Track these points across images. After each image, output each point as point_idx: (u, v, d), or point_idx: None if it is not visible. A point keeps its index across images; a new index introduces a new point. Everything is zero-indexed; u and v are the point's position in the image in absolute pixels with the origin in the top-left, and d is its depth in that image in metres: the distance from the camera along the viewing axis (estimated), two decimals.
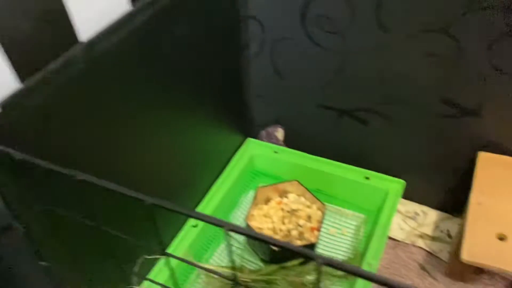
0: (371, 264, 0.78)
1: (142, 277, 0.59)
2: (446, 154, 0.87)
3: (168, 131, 0.73)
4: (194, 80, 0.75)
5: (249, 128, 1.04)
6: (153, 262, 0.77)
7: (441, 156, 0.88)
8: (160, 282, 0.77)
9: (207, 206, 0.90)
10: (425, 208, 0.97)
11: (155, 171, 0.72)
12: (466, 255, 0.69)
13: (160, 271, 0.78)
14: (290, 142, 1.04)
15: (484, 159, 0.82)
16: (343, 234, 0.92)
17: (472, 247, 0.70)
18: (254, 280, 0.81)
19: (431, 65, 0.76)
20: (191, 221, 0.86)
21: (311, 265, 0.80)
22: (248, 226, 0.85)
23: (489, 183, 0.78)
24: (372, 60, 0.80)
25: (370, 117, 0.89)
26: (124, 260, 0.68)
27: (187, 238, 0.84)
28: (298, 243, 0.85)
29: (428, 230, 0.93)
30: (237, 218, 0.96)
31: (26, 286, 0.48)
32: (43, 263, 0.47)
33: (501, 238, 0.71)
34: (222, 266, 0.86)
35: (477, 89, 0.75)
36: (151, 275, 0.76)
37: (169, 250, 0.81)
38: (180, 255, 0.81)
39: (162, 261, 0.78)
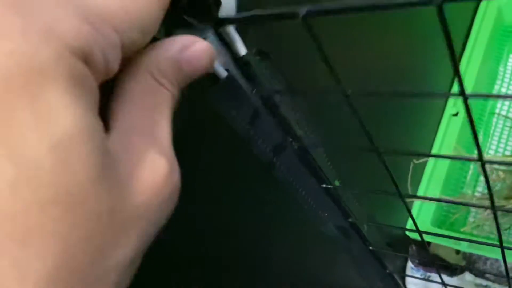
0: None
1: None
2: None
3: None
4: None
5: None
6: (422, 168, 0.62)
7: None
8: (435, 187, 0.61)
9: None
10: None
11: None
12: None
13: (431, 178, 0.62)
14: None
15: None
16: None
17: None
18: None
19: None
20: (449, 109, 0.66)
21: None
22: None
23: None
24: None
25: None
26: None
27: (450, 131, 0.65)
28: None
29: None
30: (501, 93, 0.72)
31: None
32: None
33: None
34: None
35: None
36: (423, 181, 0.61)
37: (434, 150, 0.63)
38: (449, 152, 0.63)
39: (431, 165, 0.62)
